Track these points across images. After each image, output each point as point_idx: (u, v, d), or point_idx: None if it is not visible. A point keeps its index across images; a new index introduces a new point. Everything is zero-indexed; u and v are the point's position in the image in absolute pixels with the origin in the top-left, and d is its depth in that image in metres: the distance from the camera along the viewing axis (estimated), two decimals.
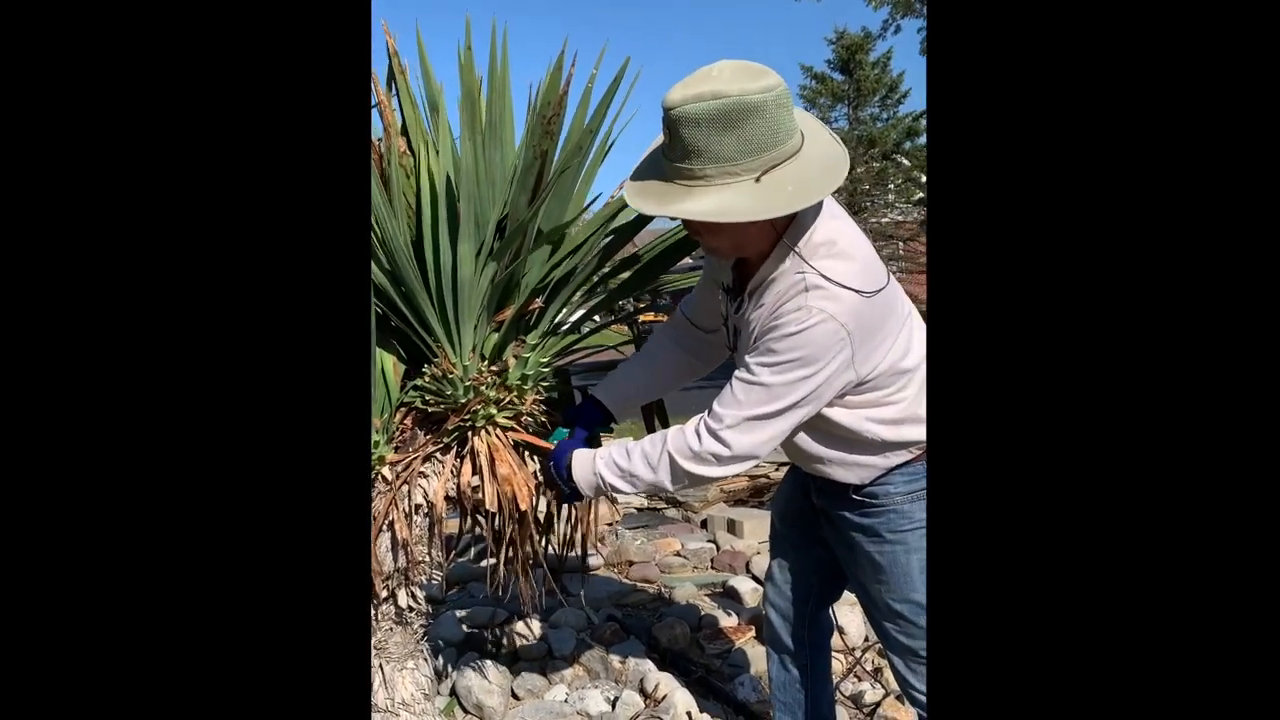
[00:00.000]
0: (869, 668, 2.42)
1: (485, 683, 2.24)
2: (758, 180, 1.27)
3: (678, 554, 3.44)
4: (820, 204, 1.38)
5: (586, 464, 1.54)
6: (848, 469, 1.49)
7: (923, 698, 1.55)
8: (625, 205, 1.78)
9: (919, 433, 1.46)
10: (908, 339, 1.44)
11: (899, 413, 1.44)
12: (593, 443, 1.71)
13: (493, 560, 1.84)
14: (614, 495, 1.65)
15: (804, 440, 1.49)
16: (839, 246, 1.36)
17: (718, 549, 3.46)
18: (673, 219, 1.41)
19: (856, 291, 1.31)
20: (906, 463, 1.47)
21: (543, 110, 1.55)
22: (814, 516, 1.67)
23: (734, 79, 1.23)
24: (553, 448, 1.64)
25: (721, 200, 1.27)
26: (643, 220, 1.86)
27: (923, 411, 1.45)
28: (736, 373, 1.39)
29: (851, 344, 1.32)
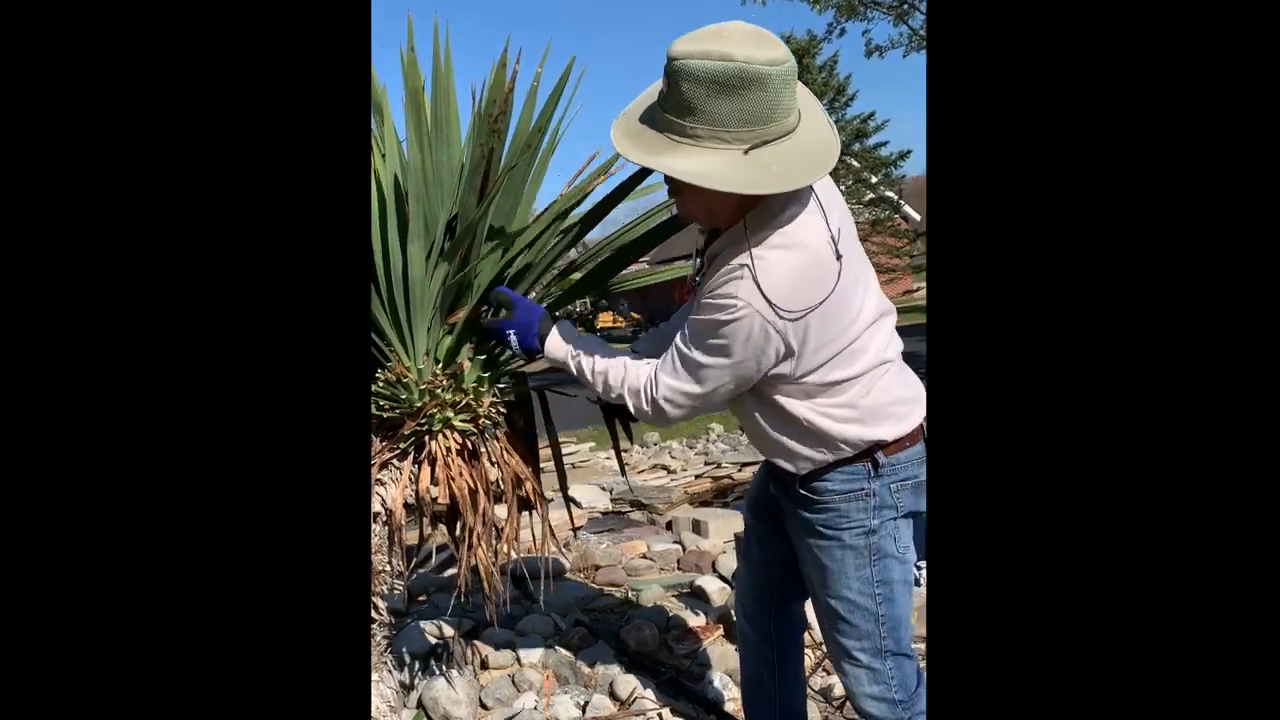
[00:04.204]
0: None
1: (453, 693, 2.20)
2: (746, 153, 1.25)
3: (644, 556, 3.43)
4: (799, 197, 1.36)
5: (561, 343, 1.57)
6: (791, 458, 1.49)
7: (861, 704, 1.55)
8: (576, 203, 1.77)
9: (865, 432, 1.43)
10: (861, 338, 1.41)
11: (846, 409, 1.43)
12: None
13: (455, 570, 1.81)
14: (562, 373, 1.66)
15: (759, 420, 1.50)
16: (794, 237, 1.33)
17: (684, 550, 3.46)
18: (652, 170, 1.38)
19: (773, 306, 1.30)
20: (847, 461, 1.46)
21: (488, 109, 1.54)
22: (777, 508, 1.67)
23: (744, 43, 1.20)
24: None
25: (707, 164, 1.25)
26: (594, 219, 1.85)
27: (870, 410, 1.43)
28: (677, 338, 1.43)
29: (784, 338, 1.33)
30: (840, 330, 1.38)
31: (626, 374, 1.50)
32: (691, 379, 1.41)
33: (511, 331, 1.58)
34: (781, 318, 1.31)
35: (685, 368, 1.41)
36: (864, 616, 1.50)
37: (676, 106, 1.25)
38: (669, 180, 1.36)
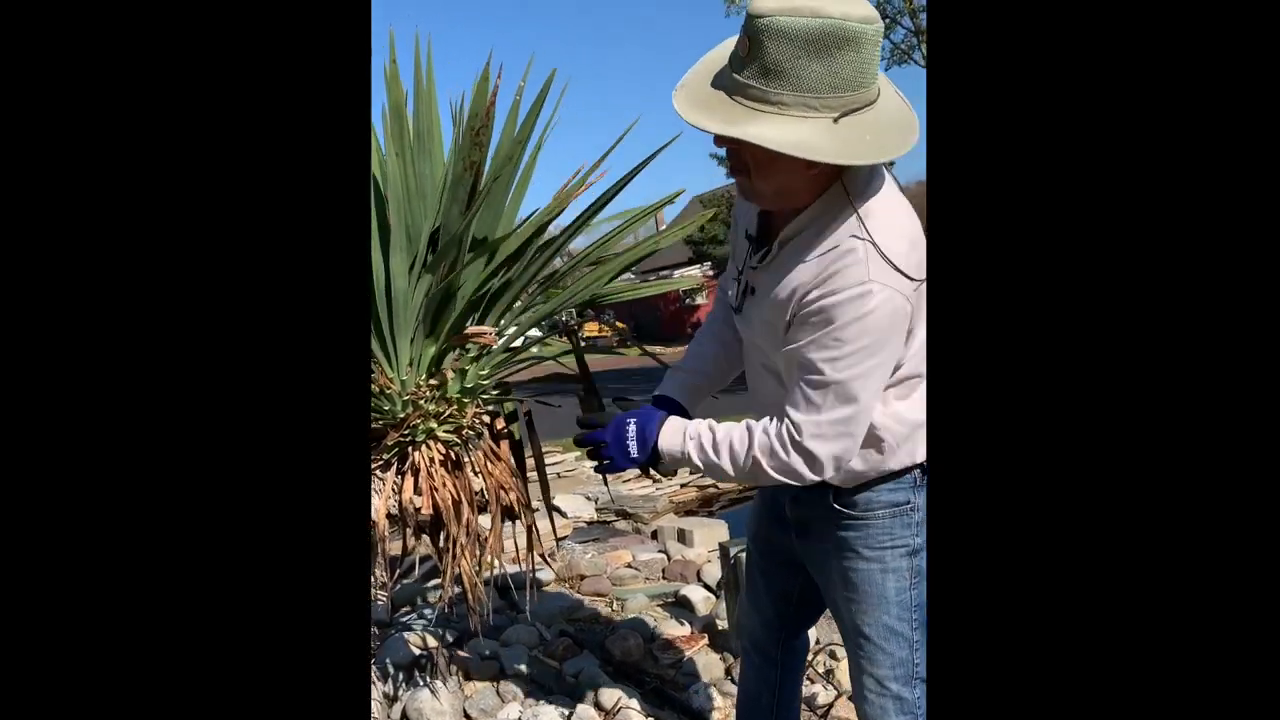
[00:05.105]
0: (820, 670, 2.43)
1: (437, 704, 2.20)
2: (835, 121, 1.13)
3: (629, 566, 3.44)
4: (878, 166, 1.25)
5: (677, 438, 1.35)
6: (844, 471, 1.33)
7: None
8: (557, 214, 1.78)
9: (922, 438, 1.32)
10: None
11: (916, 411, 1.31)
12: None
13: (439, 580, 1.81)
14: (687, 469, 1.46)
15: None
16: (891, 202, 1.22)
17: (669, 559, 3.46)
18: (721, 144, 1.20)
19: (904, 275, 1.16)
20: (897, 472, 1.34)
21: (471, 121, 1.55)
22: (784, 536, 1.52)
23: (836, 0, 1.09)
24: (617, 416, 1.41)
25: (796, 133, 1.12)
26: (577, 229, 1.86)
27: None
28: (804, 376, 1.22)
29: (912, 315, 1.19)
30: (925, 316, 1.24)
31: (752, 434, 1.29)
32: (841, 402, 1.20)
33: (632, 421, 1.36)
34: (913, 289, 1.17)
35: (830, 393, 1.20)
36: (900, 643, 1.37)
37: (759, 70, 1.12)
38: (733, 156, 1.22)
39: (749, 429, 1.30)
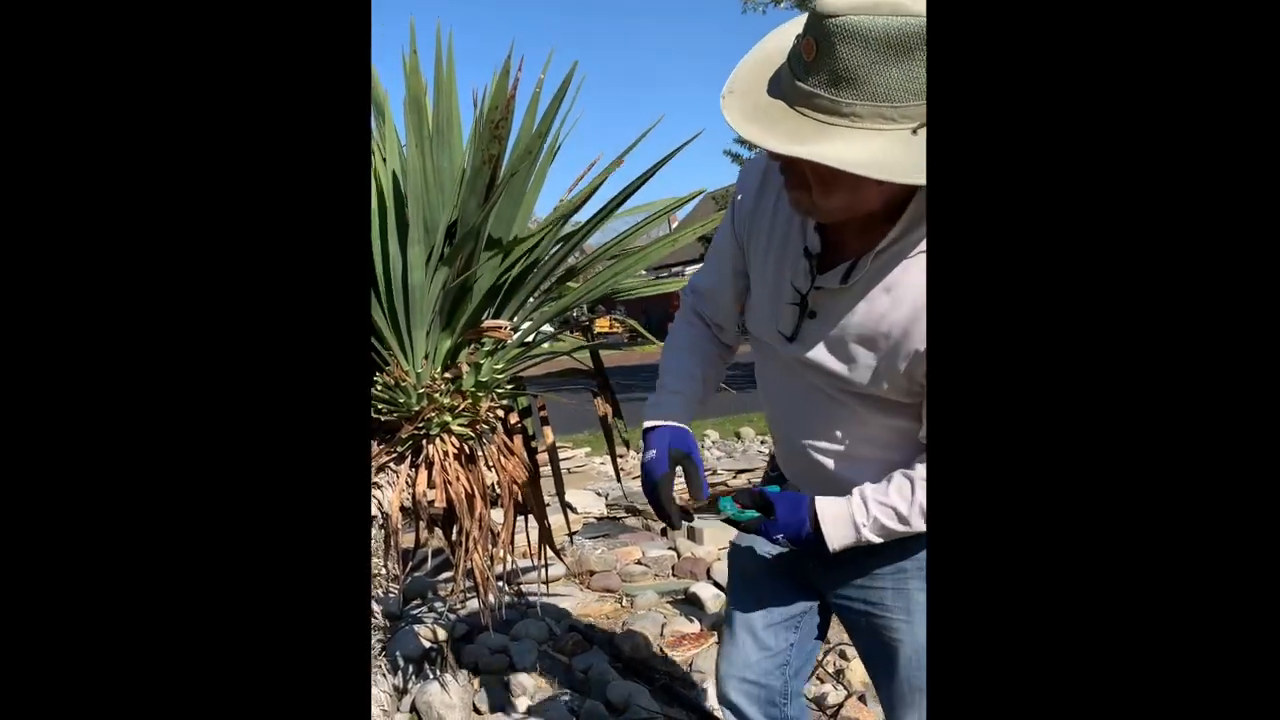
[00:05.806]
0: (830, 670, 2.42)
1: (446, 698, 2.20)
2: (914, 132, 0.99)
3: (639, 562, 3.43)
4: None
5: (847, 530, 1.22)
6: None
7: None
8: (576, 209, 1.78)
9: None
10: None
11: None
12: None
13: (451, 573, 1.81)
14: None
15: (886, 449, 1.24)
16: None
17: (678, 556, 3.46)
18: (777, 158, 1.08)
19: None
20: None
21: (490, 114, 1.55)
22: (803, 561, 1.42)
23: None
24: (750, 518, 1.34)
25: (870, 149, 0.98)
26: (596, 225, 1.85)
27: None
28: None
29: None
30: None
31: (914, 497, 1.19)
32: None
33: (781, 536, 1.27)
34: None
35: None
36: None
37: (829, 77, 0.98)
38: (789, 171, 1.09)
39: (908, 492, 1.19)
